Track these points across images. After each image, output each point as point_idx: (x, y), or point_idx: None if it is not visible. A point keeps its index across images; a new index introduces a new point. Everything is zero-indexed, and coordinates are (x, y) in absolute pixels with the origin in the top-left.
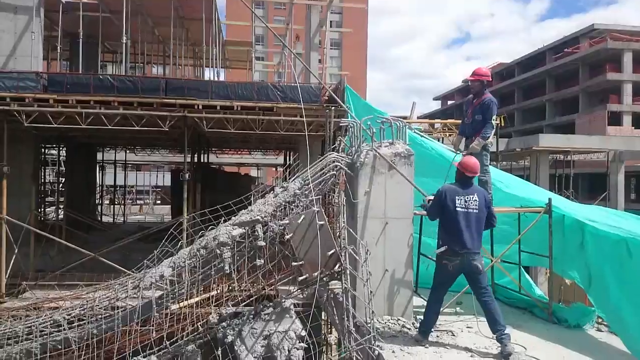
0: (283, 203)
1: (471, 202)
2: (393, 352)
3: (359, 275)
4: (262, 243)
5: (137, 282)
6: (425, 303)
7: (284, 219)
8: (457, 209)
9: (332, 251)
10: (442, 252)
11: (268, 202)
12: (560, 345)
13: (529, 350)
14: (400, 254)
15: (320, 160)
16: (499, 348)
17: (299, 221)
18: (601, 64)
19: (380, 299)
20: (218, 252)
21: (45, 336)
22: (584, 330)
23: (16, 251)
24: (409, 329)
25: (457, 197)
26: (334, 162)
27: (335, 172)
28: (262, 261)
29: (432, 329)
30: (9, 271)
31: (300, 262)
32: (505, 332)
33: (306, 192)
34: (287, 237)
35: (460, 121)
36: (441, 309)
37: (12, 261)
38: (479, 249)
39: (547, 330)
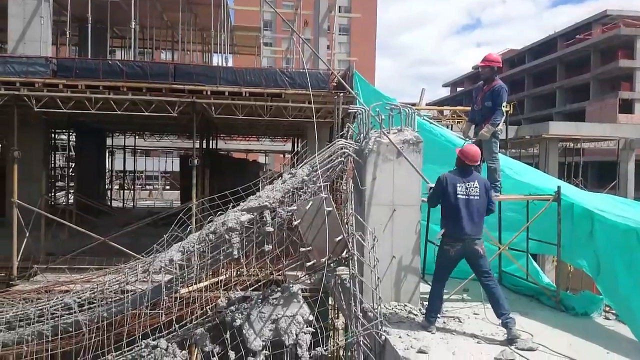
0: (291, 189)
1: (472, 189)
2: (400, 337)
3: (366, 261)
4: (270, 229)
5: (147, 266)
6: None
7: (292, 205)
8: (459, 195)
9: (340, 237)
10: (443, 238)
11: (276, 188)
12: (567, 333)
13: (536, 338)
14: (407, 241)
15: (329, 147)
16: (505, 334)
17: (307, 207)
18: (613, 50)
19: (387, 285)
20: (227, 237)
21: (56, 318)
22: (592, 318)
23: (27, 235)
24: (416, 314)
25: (458, 184)
26: (342, 148)
27: (343, 158)
28: (270, 247)
29: (439, 315)
30: (20, 254)
31: (308, 248)
32: (510, 316)
33: (314, 179)
34: (295, 223)
35: (469, 108)
36: (448, 296)
37: (24, 245)
38: (480, 234)
39: (554, 318)
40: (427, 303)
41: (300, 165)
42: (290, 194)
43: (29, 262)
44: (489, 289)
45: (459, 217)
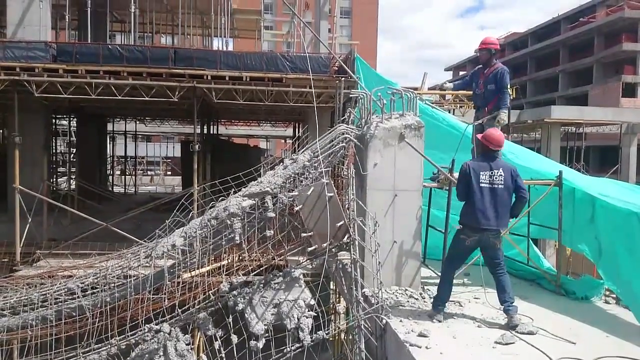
0: (292, 175)
1: (496, 177)
2: (401, 321)
3: (367, 246)
4: (272, 214)
5: (149, 251)
6: (433, 274)
7: (293, 190)
8: (482, 184)
9: (341, 222)
10: (461, 227)
11: (277, 174)
12: (567, 317)
13: (536, 322)
14: (409, 226)
15: (330, 132)
16: (506, 319)
17: (308, 193)
18: (617, 33)
19: (388, 270)
20: (228, 222)
21: (59, 303)
22: (592, 302)
23: (30, 220)
24: (417, 299)
25: (481, 173)
26: (343, 134)
27: (344, 144)
28: (272, 232)
29: (446, 304)
30: (23, 240)
31: (310, 233)
32: (513, 304)
33: (315, 165)
34: (296, 208)
35: (471, 92)
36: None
37: (26, 230)
38: (503, 226)
39: (554, 302)
40: (429, 288)
41: (302, 150)
42: (292, 179)
43: (31, 247)
44: (498, 278)
45: (480, 207)
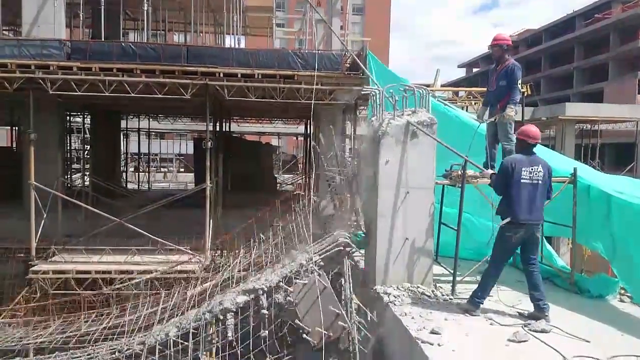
0: (289, 274)
1: (535, 174)
2: (412, 318)
3: (378, 244)
4: (266, 312)
5: (143, 339)
6: (445, 272)
7: (287, 290)
8: (523, 180)
9: (337, 313)
10: (506, 225)
11: (275, 272)
12: (581, 315)
13: (551, 319)
14: (421, 223)
15: (326, 238)
16: (524, 311)
17: (303, 289)
18: (633, 30)
19: (400, 267)
20: (221, 317)
21: None
22: (607, 300)
23: (45, 216)
24: (429, 296)
25: (523, 169)
26: (341, 243)
27: (342, 249)
28: (267, 332)
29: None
30: (38, 236)
31: (307, 330)
32: (546, 302)
33: (311, 268)
34: (292, 304)
35: (485, 89)
36: (462, 278)
37: (41, 226)
38: (541, 220)
39: (568, 300)
40: (441, 285)
41: (298, 252)
42: (287, 279)
43: (46, 243)
44: (532, 274)
45: (523, 202)
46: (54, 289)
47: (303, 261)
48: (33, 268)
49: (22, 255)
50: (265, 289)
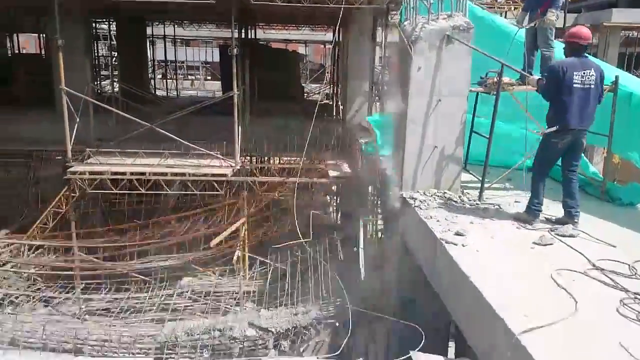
0: (299, 326)
1: (588, 77)
2: (438, 221)
3: (407, 151)
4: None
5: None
6: (473, 178)
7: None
8: (575, 85)
9: None
10: (554, 131)
11: (289, 320)
12: (610, 222)
13: (580, 226)
14: (452, 131)
15: None
16: (552, 217)
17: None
18: None
19: (429, 174)
20: (229, 343)
21: None
22: (637, 208)
23: (77, 121)
24: (456, 201)
25: (575, 73)
26: None
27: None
28: None
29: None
30: (72, 139)
31: None
32: (578, 210)
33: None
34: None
35: None
36: (490, 185)
37: (75, 131)
38: (590, 126)
39: (599, 208)
40: (468, 191)
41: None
42: (296, 330)
43: (81, 146)
44: (570, 181)
45: (574, 108)
46: (92, 189)
47: (314, 314)
48: (70, 169)
49: (59, 157)
50: (274, 332)
